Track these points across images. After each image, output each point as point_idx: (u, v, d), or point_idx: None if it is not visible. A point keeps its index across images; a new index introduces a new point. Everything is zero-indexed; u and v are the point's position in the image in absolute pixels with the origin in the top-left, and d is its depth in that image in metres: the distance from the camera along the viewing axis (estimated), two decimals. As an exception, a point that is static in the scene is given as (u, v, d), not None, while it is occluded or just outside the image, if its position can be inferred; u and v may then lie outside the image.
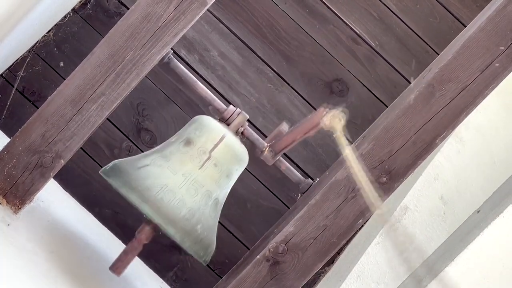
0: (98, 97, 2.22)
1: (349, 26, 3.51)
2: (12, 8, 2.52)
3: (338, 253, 3.25)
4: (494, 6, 2.18)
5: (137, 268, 3.11)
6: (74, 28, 3.40)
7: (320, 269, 2.33)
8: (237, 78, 3.46)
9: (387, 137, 2.18)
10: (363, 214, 2.20)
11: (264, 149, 2.46)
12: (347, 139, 2.17)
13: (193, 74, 2.58)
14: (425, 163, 3.01)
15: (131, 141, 3.39)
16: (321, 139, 3.43)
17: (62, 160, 2.24)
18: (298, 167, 3.39)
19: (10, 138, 2.25)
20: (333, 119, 2.22)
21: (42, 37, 3.35)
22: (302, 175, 2.55)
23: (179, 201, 2.22)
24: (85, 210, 3.17)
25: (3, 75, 3.31)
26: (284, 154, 2.53)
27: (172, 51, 2.40)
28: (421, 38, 3.53)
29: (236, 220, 3.38)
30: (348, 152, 2.07)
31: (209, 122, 2.41)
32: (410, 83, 3.36)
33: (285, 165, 2.53)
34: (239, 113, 2.45)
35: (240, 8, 3.50)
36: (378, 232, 2.99)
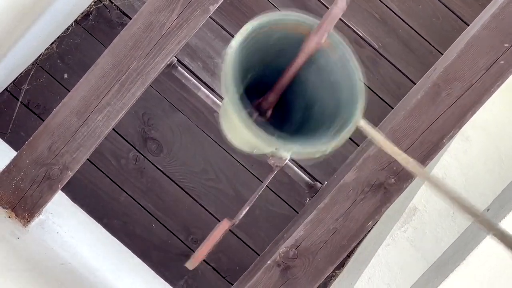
0: (104, 108, 2.22)
1: (352, 28, 3.51)
2: (14, 22, 2.52)
3: (349, 256, 3.24)
4: (497, 3, 2.17)
5: (148, 277, 3.11)
6: (77, 40, 3.40)
7: (331, 272, 2.32)
8: (242, 85, 3.46)
9: (394, 138, 2.17)
10: (372, 216, 2.19)
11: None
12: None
13: (197, 82, 2.58)
14: (433, 163, 3.00)
15: (137, 150, 3.39)
16: (328, 142, 3.43)
17: (69, 172, 2.24)
18: (305, 171, 3.39)
19: (17, 151, 2.25)
20: None
21: (45, 50, 3.36)
22: (310, 179, 2.55)
23: None
24: (94, 221, 3.17)
25: (8, 89, 3.31)
26: (291, 159, 2.52)
27: (176, 59, 2.40)
28: (424, 39, 3.53)
29: (246, 226, 3.37)
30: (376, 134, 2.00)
31: None
32: (414, 83, 3.35)
33: (293, 169, 2.53)
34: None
35: (243, 14, 3.50)
36: (388, 234, 2.98)
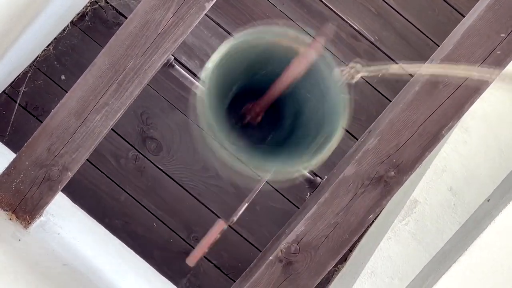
0: (102, 108, 2.22)
1: (348, 23, 3.51)
2: (10, 24, 2.52)
3: (351, 250, 3.24)
4: (492, -7, 2.17)
5: (150, 276, 3.11)
6: (74, 41, 3.40)
7: (333, 267, 2.32)
8: (239, 81, 3.46)
9: (393, 130, 2.17)
10: (373, 209, 2.19)
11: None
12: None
13: (194, 80, 2.57)
14: (433, 155, 3.00)
15: (137, 150, 3.39)
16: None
17: (69, 173, 2.24)
18: (305, 166, 3.38)
19: (16, 153, 2.25)
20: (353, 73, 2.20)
21: (42, 52, 3.35)
22: (310, 174, 2.55)
23: None
24: (95, 221, 3.17)
25: (6, 91, 3.31)
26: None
27: (173, 57, 2.40)
28: (420, 31, 3.52)
29: (247, 223, 3.37)
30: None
31: None
32: (412, 76, 3.35)
33: (293, 165, 2.52)
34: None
35: (239, 11, 3.50)
36: (389, 227, 2.98)
